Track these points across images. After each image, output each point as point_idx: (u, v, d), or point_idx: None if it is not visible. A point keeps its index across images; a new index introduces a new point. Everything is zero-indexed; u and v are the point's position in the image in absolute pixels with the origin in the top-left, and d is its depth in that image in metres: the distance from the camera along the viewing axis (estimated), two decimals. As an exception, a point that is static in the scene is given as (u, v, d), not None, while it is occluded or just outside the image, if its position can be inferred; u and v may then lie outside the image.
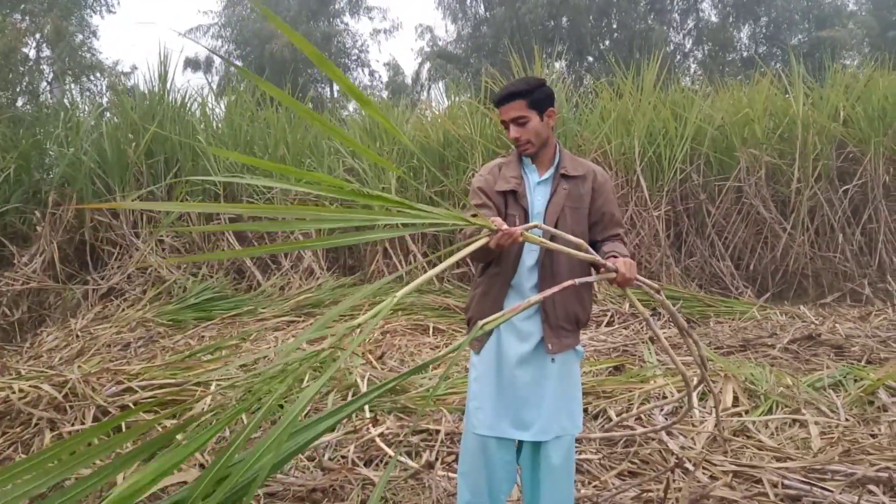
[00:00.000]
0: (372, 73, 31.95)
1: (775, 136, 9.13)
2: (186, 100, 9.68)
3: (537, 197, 2.50)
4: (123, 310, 7.26)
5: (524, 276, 2.48)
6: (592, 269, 2.43)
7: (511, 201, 2.49)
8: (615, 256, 2.33)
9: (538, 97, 2.42)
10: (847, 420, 4.06)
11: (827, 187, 8.86)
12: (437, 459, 3.51)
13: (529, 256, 2.47)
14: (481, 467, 2.47)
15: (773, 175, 9.14)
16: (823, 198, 8.75)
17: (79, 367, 5.05)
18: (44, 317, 7.58)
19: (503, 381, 2.47)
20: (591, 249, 2.27)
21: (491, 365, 2.49)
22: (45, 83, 16.30)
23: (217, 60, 28.38)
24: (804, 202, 8.64)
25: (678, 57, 27.94)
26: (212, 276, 8.18)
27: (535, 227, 2.25)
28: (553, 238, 2.27)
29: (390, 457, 3.55)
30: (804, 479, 3.23)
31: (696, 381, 2.84)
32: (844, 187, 8.79)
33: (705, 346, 5.72)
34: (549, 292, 2.07)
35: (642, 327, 6.74)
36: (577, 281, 2.16)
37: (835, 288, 8.48)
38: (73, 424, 3.89)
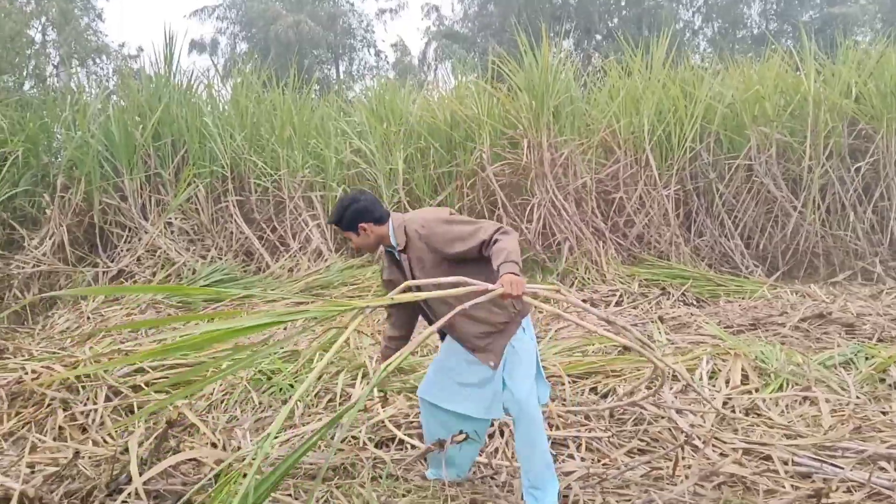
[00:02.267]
0: (378, 54, 31.72)
1: (786, 114, 9.02)
2: (192, 82, 9.66)
3: (405, 266, 2.87)
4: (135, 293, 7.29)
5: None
6: None
7: (399, 282, 2.82)
8: (505, 273, 2.55)
9: (347, 220, 2.84)
10: (858, 398, 4.04)
11: (838, 165, 8.77)
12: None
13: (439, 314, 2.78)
14: (426, 424, 3.02)
15: (784, 153, 9.06)
16: (835, 176, 8.67)
17: (90, 348, 5.08)
18: (54, 300, 7.62)
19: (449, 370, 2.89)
20: (470, 280, 2.52)
21: (446, 356, 2.91)
22: (51, 66, 16.29)
23: (222, 42, 28.28)
24: (815, 180, 8.57)
25: (688, 34, 27.62)
26: (221, 259, 8.20)
27: (408, 284, 2.62)
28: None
29: (400, 439, 3.56)
30: (815, 457, 3.23)
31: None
32: (856, 165, 8.69)
33: (716, 325, 5.70)
34: (441, 322, 2.52)
35: (652, 307, 6.74)
36: (467, 304, 2.45)
37: (846, 266, 8.42)
38: (85, 404, 3.92)
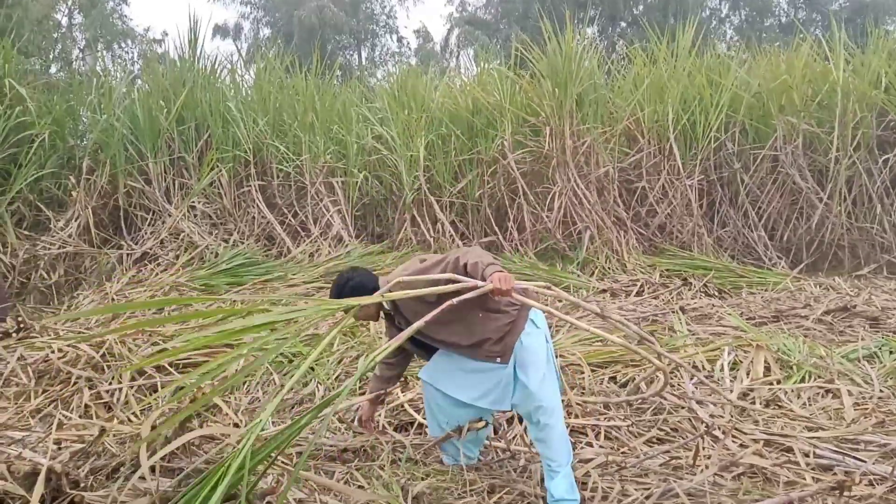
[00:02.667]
0: (400, 40, 31.66)
1: (814, 104, 8.87)
2: (216, 67, 9.71)
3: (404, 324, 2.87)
4: (157, 274, 7.38)
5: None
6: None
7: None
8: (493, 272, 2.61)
9: (344, 298, 2.80)
10: (882, 391, 4.00)
11: (866, 157, 8.62)
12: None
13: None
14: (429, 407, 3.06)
15: (811, 144, 8.91)
16: (862, 167, 8.52)
17: (115, 328, 5.16)
18: (79, 280, 7.73)
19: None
20: (459, 277, 2.60)
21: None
22: (77, 50, 16.45)
23: (246, 27, 28.36)
24: (842, 172, 8.43)
25: (714, 22, 27.25)
26: (243, 243, 8.27)
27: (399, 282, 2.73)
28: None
29: (420, 423, 3.58)
30: (836, 449, 3.20)
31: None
32: (884, 157, 8.53)
33: (738, 316, 5.65)
34: (428, 316, 2.56)
35: (673, 297, 6.70)
36: (456, 300, 2.54)
37: (871, 259, 8.30)
38: (110, 383, 3.99)
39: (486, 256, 2.73)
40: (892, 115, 8.71)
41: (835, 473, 3.03)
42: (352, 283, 2.90)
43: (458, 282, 2.61)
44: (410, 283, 2.73)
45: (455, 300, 2.55)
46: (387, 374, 3.18)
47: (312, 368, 4.28)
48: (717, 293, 6.95)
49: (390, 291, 2.72)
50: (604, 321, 3.88)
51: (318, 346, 2.53)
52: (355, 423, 3.28)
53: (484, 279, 2.61)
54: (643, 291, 6.90)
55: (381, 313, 3.00)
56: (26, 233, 7.96)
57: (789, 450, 3.25)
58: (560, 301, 5.45)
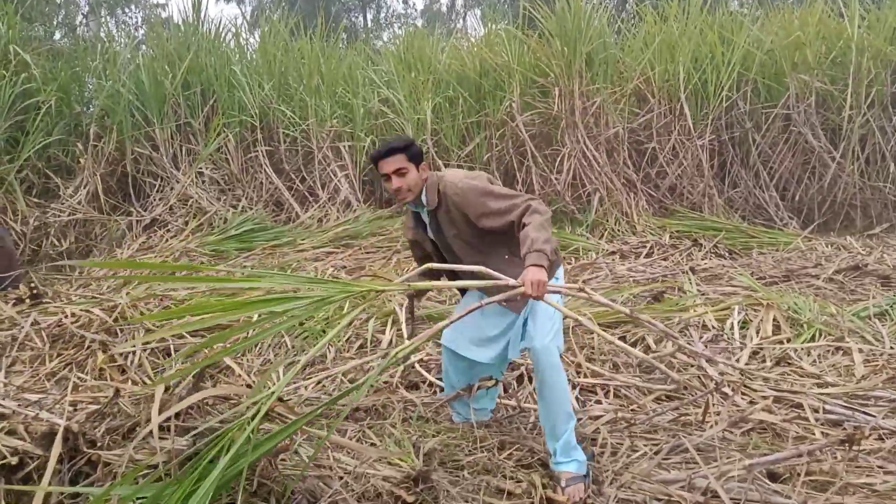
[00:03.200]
0: (406, 1, 31.23)
1: (827, 61, 8.71)
2: (220, 31, 9.61)
3: (432, 228, 2.89)
4: (167, 240, 7.41)
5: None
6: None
7: (424, 242, 2.99)
8: (529, 266, 2.50)
9: (414, 152, 2.76)
10: (892, 348, 3.99)
11: (880, 114, 8.49)
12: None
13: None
14: (445, 368, 3.09)
15: (824, 102, 8.78)
16: (876, 125, 8.39)
17: (127, 293, 5.20)
18: (90, 247, 7.78)
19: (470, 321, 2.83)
20: (490, 272, 2.51)
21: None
22: (80, 16, 16.30)
23: (250, -9, 27.98)
24: (855, 130, 8.31)
25: (725, -20, 26.63)
26: (251, 208, 8.27)
27: (427, 267, 2.67)
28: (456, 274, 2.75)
29: (431, 382, 3.62)
30: (846, 405, 3.22)
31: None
32: (899, 114, 8.41)
33: (748, 276, 5.63)
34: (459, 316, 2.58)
35: (683, 258, 6.68)
36: (495, 299, 2.49)
37: (884, 218, 8.23)
38: (123, 347, 4.03)
39: (543, 233, 2.54)
40: (908, 71, 8.55)
41: (844, 428, 3.05)
42: (418, 147, 2.84)
43: (489, 276, 2.52)
44: (463, 191, 2.70)
45: (494, 299, 2.50)
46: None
47: (323, 330, 4.30)
48: (727, 254, 6.92)
49: (441, 188, 2.76)
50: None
51: (342, 322, 2.53)
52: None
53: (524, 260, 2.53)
54: (653, 253, 6.88)
55: (408, 206, 2.92)
56: (36, 200, 7.99)
57: (799, 406, 3.26)
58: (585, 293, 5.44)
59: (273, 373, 3.74)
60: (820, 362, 3.88)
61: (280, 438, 2.25)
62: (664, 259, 6.67)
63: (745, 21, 9.11)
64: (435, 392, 3.52)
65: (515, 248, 2.65)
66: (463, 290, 3.05)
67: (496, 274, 2.51)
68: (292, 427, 2.29)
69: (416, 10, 30.67)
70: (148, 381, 3.68)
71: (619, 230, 7.71)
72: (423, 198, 2.83)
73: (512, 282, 2.48)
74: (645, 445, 2.92)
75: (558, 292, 2.64)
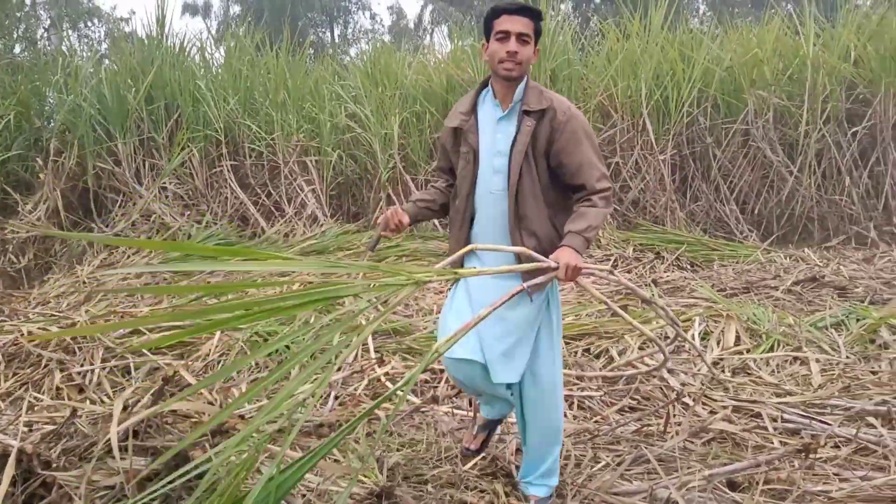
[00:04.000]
0: (373, 17, 31.37)
1: (784, 78, 8.95)
2: (185, 45, 9.54)
3: (499, 135, 2.40)
4: (129, 256, 7.30)
5: (486, 222, 2.44)
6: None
7: (461, 139, 2.46)
8: (567, 248, 2.22)
9: (540, 27, 2.37)
10: (848, 357, 4.09)
11: (835, 129, 8.73)
12: (440, 396, 3.56)
13: (487, 204, 2.42)
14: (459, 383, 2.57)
15: (782, 117, 9.00)
16: (831, 140, 8.63)
17: (86, 311, 5.10)
18: (49, 264, 7.62)
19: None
20: (533, 254, 2.21)
21: (464, 299, 2.46)
22: (42, 29, 16.05)
23: (216, 5, 27.84)
24: (812, 145, 8.53)
25: (687, -2, 27.25)
26: (216, 224, 8.19)
27: (472, 248, 2.31)
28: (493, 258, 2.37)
29: (395, 394, 3.60)
30: (803, 413, 3.28)
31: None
32: (853, 129, 8.65)
33: (709, 288, 5.73)
34: (500, 301, 2.01)
35: (646, 270, 6.77)
36: (526, 285, 2.15)
37: (840, 231, 8.44)
38: (81, 365, 3.95)
39: (592, 227, 2.26)
40: (861, 88, 8.82)
41: (802, 437, 3.11)
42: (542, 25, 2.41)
43: (534, 259, 2.20)
44: (573, 116, 2.35)
45: (525, 285, 2.14)
46: (432, 197, 2.66)
47: (288, 347, 4.26)
48: (689, 266, 7.03)
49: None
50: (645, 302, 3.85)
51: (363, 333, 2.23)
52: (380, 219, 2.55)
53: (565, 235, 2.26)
54: (617, 265, 6.96)
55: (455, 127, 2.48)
56: (-7, 216, 7.82)
57: (758, 415, 3.32)
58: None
59: (236, 389, 3.70)
60: (778, 372, 3.96)
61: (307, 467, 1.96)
62: (628, 272, 6.75)
63: (704, 38, 9.32)
64: (398, 404, 3.50)
65: (552, 200, 2.37)
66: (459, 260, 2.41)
67: (539, 257, 2.20)
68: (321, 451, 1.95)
69: (383, 25, 30.86)
70: (107, 400, 3.61)
71: (584, 244, 7.78)
72: (520, 93, 2.37)
73: (549, 262, 2.18)
74: (608, 457, 2.95)
75: (592, 275, 2.40)
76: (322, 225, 8.27)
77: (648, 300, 2.59)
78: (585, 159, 2.34)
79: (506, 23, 2.30)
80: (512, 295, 2.08)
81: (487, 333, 2.37)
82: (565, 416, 3.44)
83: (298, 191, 8.63)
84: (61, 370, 3.89)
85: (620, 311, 2.51)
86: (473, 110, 2.45)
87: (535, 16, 2.33)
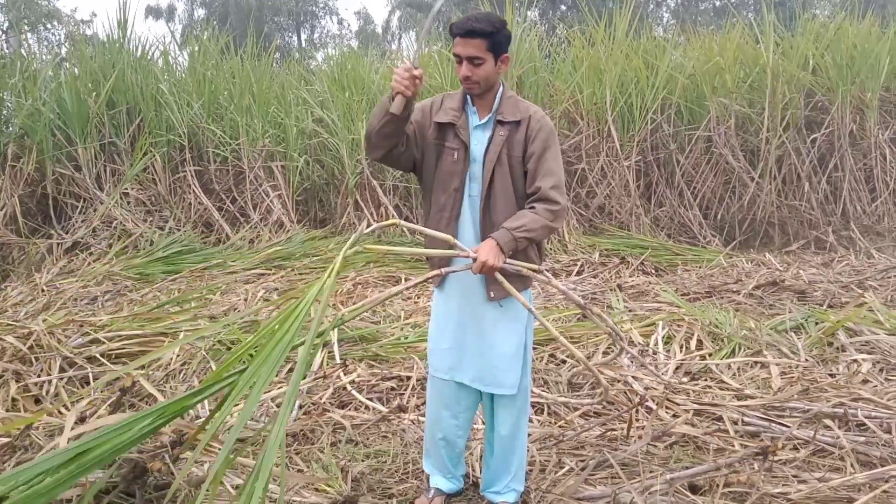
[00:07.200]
0: (341, 22, 31.33)
1: (745, 86, 9.13)
2: (148, 49, 9.40)
3: (475, 142, 2.45)
4: (89, 264, 7.15)
5: (467, 224, 2.47)
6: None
7: (451, 135, 2.46)
8: (492, 239, 2.28)
9: (498, 40, 2.34)
10: (807, 360, 4.17)
11: (795, 136, 8.92)
12: (407, 404, 3.55)
13: (466, 207, 2.47)
14: (441, 409, 2.61)
15: (743, 124, 9.18)
16: (791, 147, 8.82)
17: (44, 320, 4.98)
18: (7, 272, 7.42)
19: (461, 325, 2.53)
20: (457, 243, 2.28)
21: (452, 308, 2.54)
22: (0, 32, 15.69)
23: (180, 8, 27.52)
24: (772, 151, 8.71)
25: (651, 6, 27.67)
26: (179, 230, 8.06)
27: (394, 224, 2.44)
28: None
29: (361, 402, 3.58)
30: (763, 416, 3.34)
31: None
32: (812, 136, 8.86)
33: (673, 292, 5.81)
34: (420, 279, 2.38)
35: (612, 275, 6.83)
36: (444, 270, 2.32)
37: (800, 236, 8.62)
38: (38, 376, 3.86)
39: (536, 231, 2.32)
40: (819, 95, 9.03)
41: (762, 439, 3.16)
42: (507, 31, 2.41)
43: (457, 248, 2.29)
44: (545, 124, 2.41)
45: (443, 270, 2.31)
46: (381, 143, 2.43)
47: (251, 355, 4.21)
48: (653, 271, 7.12)
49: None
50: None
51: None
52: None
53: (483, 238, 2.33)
54: (583, 271, 7.02)
55: (450, 110, 2.47)
56: (-52, 223, 7.59)
57: (719, 418, 3.37)
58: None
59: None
60: (739, 375, 4.02)
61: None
62: (594, 277, 6.81)
63: (667, 46, 9.47)
64: (364, 412, 3.47)
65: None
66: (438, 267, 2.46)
67: (459, 245, 2.28)
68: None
69: (350, 31, 30.81)
70: (65, 412, 3.53)
71: (550, 249, 7.84)
72: (497, 102, 2.43)
73: (470, 253, 2.25)
74: (572, 461, 2.96)
75: (518, 272, 2.33)
76: (288, 231, 8.20)
77: (583, 306, 2.52)
78: (546, 167, 2.39)
79: (458, 46, 2.35)
80: (427, 278, 2.35)
81: (477, 353, 2.52)
82: (530, 420, 3.46)
83: (264, 196, 8.55)
84: (17, 381, 3.79)
85: (590, 309, 2.52)
86: (463, 109, 2.49)
87: (484, 35, 2.31)
